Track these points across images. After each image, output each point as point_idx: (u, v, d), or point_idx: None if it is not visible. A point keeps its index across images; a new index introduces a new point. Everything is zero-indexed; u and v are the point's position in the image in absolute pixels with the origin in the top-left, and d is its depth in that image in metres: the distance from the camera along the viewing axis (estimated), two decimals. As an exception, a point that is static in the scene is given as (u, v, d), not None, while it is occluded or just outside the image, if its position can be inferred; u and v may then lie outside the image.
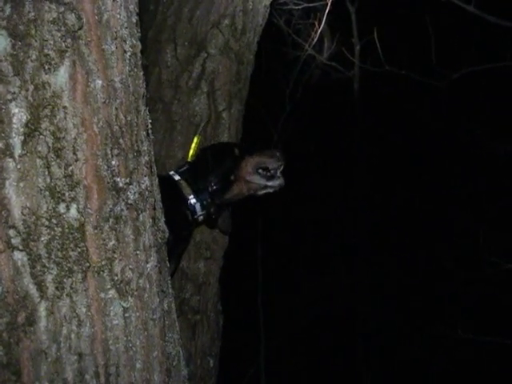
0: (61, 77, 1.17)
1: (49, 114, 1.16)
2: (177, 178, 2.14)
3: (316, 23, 5.79)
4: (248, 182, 2.19)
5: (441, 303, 6.37)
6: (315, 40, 5.98)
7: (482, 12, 3.72)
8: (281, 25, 6.49)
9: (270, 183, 2.19)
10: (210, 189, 2.11)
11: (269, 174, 2.19)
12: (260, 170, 2.18)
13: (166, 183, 1.91)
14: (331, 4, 5.27)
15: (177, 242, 2.10)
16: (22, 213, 1.15)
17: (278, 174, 2.20)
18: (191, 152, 2.29)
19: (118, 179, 1.27)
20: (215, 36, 2.57)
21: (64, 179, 1.19)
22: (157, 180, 1.52)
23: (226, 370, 3.07)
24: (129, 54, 1.31)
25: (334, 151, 7.65)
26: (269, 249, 6.43)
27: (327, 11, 5.36)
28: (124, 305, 1.30)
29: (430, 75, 4.67)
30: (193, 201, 2.11)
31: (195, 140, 2.32)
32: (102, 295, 1.27)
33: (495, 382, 5.69)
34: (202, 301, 2.57)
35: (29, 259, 1.17)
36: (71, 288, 1.22)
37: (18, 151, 1.14)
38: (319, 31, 5.80)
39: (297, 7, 6.37)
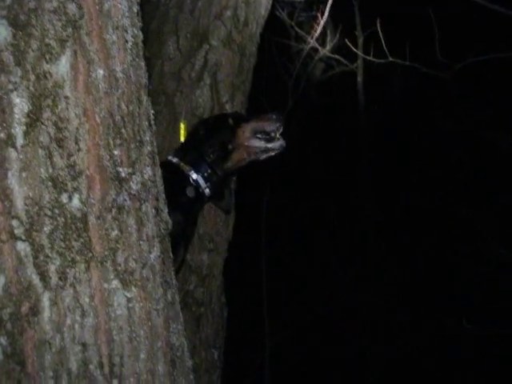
0: (62, 66, 1.17)
1: (50, 103, 1.16)
2: (174, 160, 2.12)
3: (319, 15, 5.77)
4: (247, 147, 2.15)
5: (445, 295, 6.36)
6: (318, 32, 5.95)
7: (487, 1, 3.70)
8: (283, 17, 6.47)
9: (270, 145, 2.16)
10: (208, 159, 2.08)
11: (268, 136, 2.15)
12: (258, 135, 2.15)
13: (164, 167, 1.90)
14: (334, -4, 5.24)
15: (187, 223, 2.08)
16: (24, 203, 1.15)
17: (278, 135, 2.17)
18: (182, 138, 2.30)
19: (121, 169, 1.27)
20: (217, 28, 2.56)
21: (66, 169, 1.19)
22: (159, 170, 1.51)
23: (230, 362, 3.07)
24: (130, 43, 1.31)
25: (337, 144, 7.63)
26: (274, 241, 6.43)
27: (330, 3, 5.33)
28: (127, 295, 1.30)
29: (435, 66, 4.65)
30: (194, 175, 2.07)
31: (182, 126, 2.31)
32: (106, 285, 1.27)
33: (500, 372, 5.68)
34: (206, 293, 2.58)
35: (32, 249, 1.17)
36: (74, 278, 1.22)
37: (19, 141, 1.14)
38: (322, 23, 5.77)
39: (299, -1, 6.35)
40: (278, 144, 2.17)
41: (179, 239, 2.04)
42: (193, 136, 2.20)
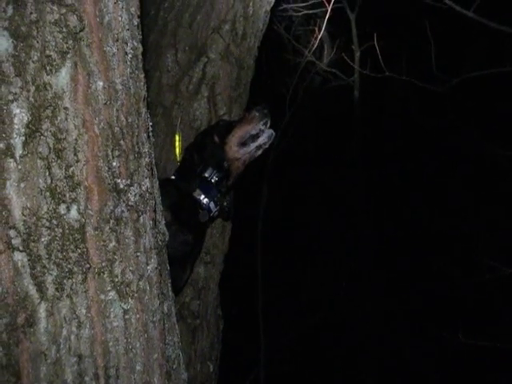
0: (62, 78, 1.17)
1: (50, 114, 1.16)
2: (182, 184, 2.15)
3: (316, 30, 5.81)
4: (239, 159, 2.18)
5: (442, 308, 6.36)
6: (315, 46, 5.99)
7: (482, 18, 3.73)
8: (281, 31, 6.52)
9: (259, 142, 2.17)
10: (214, 182, 2.12)
11: (254, 134, 2.16)
12: (246, 140, 2.16)
13: (172, 189, 1.93)
14: (331, 10, 5.29)
15: (196, 244, 2.12)
16: (22, 213, 1.15)
17: (264, 129, 2.17)
18: (177, 150, 2.31)
19: (119, 180, 1.27)
20: (216, 41, 2.58)
21: (65, 180, 1.19)
22: (157, 182, 1.52)
23: (225, 374, 3.05)
24: (130, 56, 1.31)
25: (333, 157, 7.66)
26: (269, 254, 6.42)
27: (327, 18, 5.38)
28: (124, 307, 1.30)
29: (431, 81, 4.68)
30: (205, 200, 2.11)
31: (177, 138, 2.33)
32: (102, 297, 1.26)
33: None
34: (202, 305, 2.57)
35: (29, 260, 1.17)
36: (71, 289, 1.21)
37: (19, 152, 1.14)
38: (319, 37, 5.81)
39: (297, 14, 6.40)
40: (265, 136, 2.17)
41: (188, 259, 2.07)
42: (189, 159, 2.22)
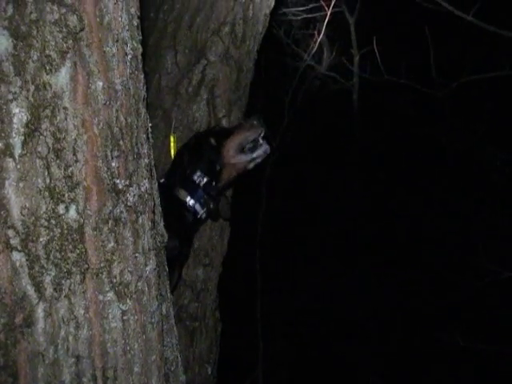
0: (62, 78, 1.17)
1: (49, 114, 1.16)
2: (169, 185, 2.13)
3: (315, 33, 5.83)
4: (234, 165, 2.16)
5: (441, 312, 6.35)
6: (314, 50, 6.01)
7: (481, 22, 3.75)
8: (280, 35, 6.54)
9: (255, 155, 2.16)
10: (201, 184, 2.10)
11: (251, 145, 2.15)
12: (243, 147, 2.16)
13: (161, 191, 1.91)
14: (330, 14, 5.31)
15: (182, 247, 2.10)
16: (21, 213, 1.15)
17: (260, 141, 2.16)
18: (172, 151, 2.31)
19: (118, 181, 1.27)
20: (215, 43, 2.58)
21: (64, 180, 1.18)
22: (156, 183, 1.52)
23: (223, 377, 3.05)
24: (130, 56, 1.31)
25: (332, 161, 7.66)
26: (267, 256, 6.42)
27: (326, 22, 5.39)
28: (122, 307, 1.30)
29: (430, 85, 4.69)
30: (191, 202, 2.09)
31: (172, 139, 2.33)
32: (101, 297, 1.26)
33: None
34: (201, 308, 2.56)
35: (27, 260, 1.16)
36: (69, 290, 1.21)
37: (18, 151, 1.14)
38: (318, 41, 5.83)
39: (296, 18, 6.42)
40: (261, 151, 2.17)
41: (175, 262, 2.06)
42: (179, 161, 2.20)
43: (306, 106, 6.80)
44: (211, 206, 2.12)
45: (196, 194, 2.10)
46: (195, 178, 2.11)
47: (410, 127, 7.12)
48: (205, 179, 2.11)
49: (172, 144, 2.32)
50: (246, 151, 2.16)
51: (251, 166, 2.20)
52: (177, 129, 2.54)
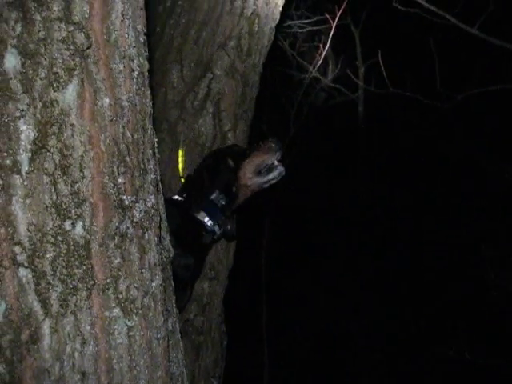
0: (69, 95, 1.18)
1: (56, 131, 1.17)
2: (186, 204, 2.14)
3: (320, 46, 5.85)
4: (250, 186, 2.18)
5: (446, 325, 6.31)
6: (320, 62, 6.03)
7: (486, 35, 3.75)
8: (286, 47, 6.57)
9: (270, 176, 2.17)
10: (219, 205, 2.11)
11: (267, 167, 2.16)
12: (261, 170, 2.17)
13: (178, 210, 1.93)
14: (335, 27, 5.33)
15: (197, 266, 2.11)
16: (27, 229, 1.15)
17: (276, 163, 2.17)
18: (180, 165, 2.31)
19: (124, 197, 1.27)
20: (221, 57, 2.59)
21: (70, 196, 1.19)
22: (162, 199, 1.52)
23: (229, 392, 3.03)
24: (136, 72, 1.32)
25: (338, 172, 7.67)
26: (273, 268, 6.41)
27: (331, 34, 5.42)
28: (128, 323, 1.29)
29: (435, 97, 4.69)
30: (209, 223, 2.09)
31: (180, 153, 2.33)
32: (107, 313, 1.26)
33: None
34: (206, 321, 2.55)
35: (34, 276, 1.16)
36: (76, 306, 1.21)
37: (25, 168, 1.15)
38: (324, 54, 5.85)
39: (301, 30, 6.45)
40: (277, 172, 2.18)
41: (188, 281, 2.06)
42: (197, 180, 2.20)
43: (311, 118, 6.82)
44: (228, 227, 2.14)
45: (215, 215, 2.10)
46: (213, 198, 2.11)
47: (415, 139, 7.12)
48: (223, 201, 2.11)
49: (180, 159, 2.33)
50: (262, 173, 2.16)
51: (266, 186, 2.21)
52: (183, 142, 2.54)
